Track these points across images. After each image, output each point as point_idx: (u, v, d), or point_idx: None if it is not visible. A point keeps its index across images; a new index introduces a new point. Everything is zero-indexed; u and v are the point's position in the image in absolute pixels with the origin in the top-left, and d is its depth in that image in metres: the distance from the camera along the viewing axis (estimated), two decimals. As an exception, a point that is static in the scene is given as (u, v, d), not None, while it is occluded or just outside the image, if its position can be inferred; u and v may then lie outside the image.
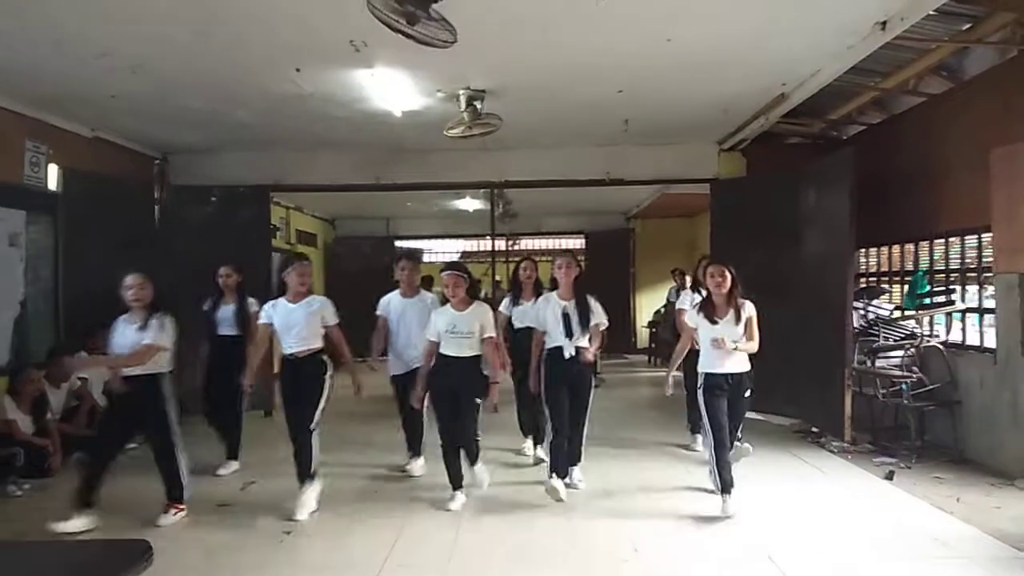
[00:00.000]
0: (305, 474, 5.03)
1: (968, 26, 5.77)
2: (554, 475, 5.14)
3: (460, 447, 5.14)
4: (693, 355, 5.30)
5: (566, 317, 5.20)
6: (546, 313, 5.29)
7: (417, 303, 5.85)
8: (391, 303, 5.93)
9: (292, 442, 5.06)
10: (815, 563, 4.11)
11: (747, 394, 5.06)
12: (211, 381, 6.09)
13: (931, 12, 4.88)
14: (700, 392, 5.08)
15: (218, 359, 6.05)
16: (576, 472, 5.57)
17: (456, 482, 5.17)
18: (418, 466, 5.98)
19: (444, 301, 5.29)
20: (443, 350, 5.09)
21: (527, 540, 4.51)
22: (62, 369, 6.52)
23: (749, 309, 5.03)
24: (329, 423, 5.38)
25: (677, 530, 4.75)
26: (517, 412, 6.56)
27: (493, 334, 5.16)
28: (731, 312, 4.98)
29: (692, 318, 5.19)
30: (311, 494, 5.03)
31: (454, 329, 5.05)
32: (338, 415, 6.12)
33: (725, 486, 4.92)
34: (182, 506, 4.97)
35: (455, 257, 19.81)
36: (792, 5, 4.76)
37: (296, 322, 5.07)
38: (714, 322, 4.99)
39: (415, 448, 6.01)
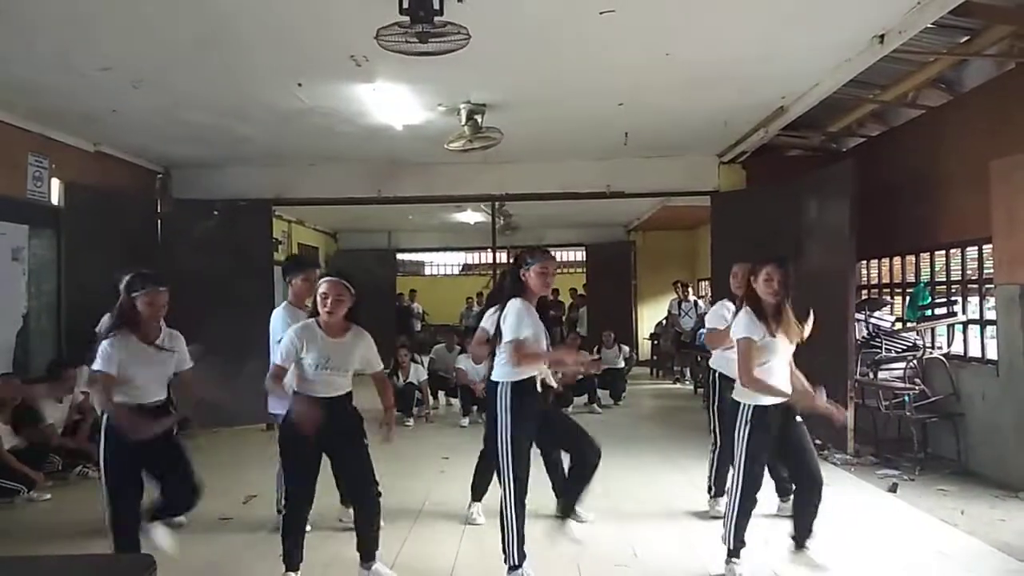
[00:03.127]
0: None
1: (966, 39, 5.80)
2: (523, 565, 3.94)
3: (363, 506, 3.96)
4: (730, 384, 4.34)
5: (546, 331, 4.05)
6: (536, 323, 3.92)
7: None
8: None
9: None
10: (818, 576, 4.10)
11: (798, 419, 3.99)
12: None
13: (929, 25, 4.91)
14: (744, 430, 3.93)
15: None
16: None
17: (292, 560, 3.93)
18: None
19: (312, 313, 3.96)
20: (310, 390, 3.82)
21: (528, 542, 4.48)
22: (65, 383, 6.52)
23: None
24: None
25: (679, 538, 4.75)
26: (478, 466, 5.08)
27: (381, 366, 4.10)
28: (785, 323, 3.98)
29: (750, 328, 3.90)
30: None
31: (327, 363, 3.79)
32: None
33: (736, 547, 4.02)
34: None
35: (456, 270, 19.79)
36: (791, 19, 4.79)
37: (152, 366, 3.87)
38: (774, 334, 3.91)
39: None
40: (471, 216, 13.08)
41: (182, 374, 4.05)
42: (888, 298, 7.68)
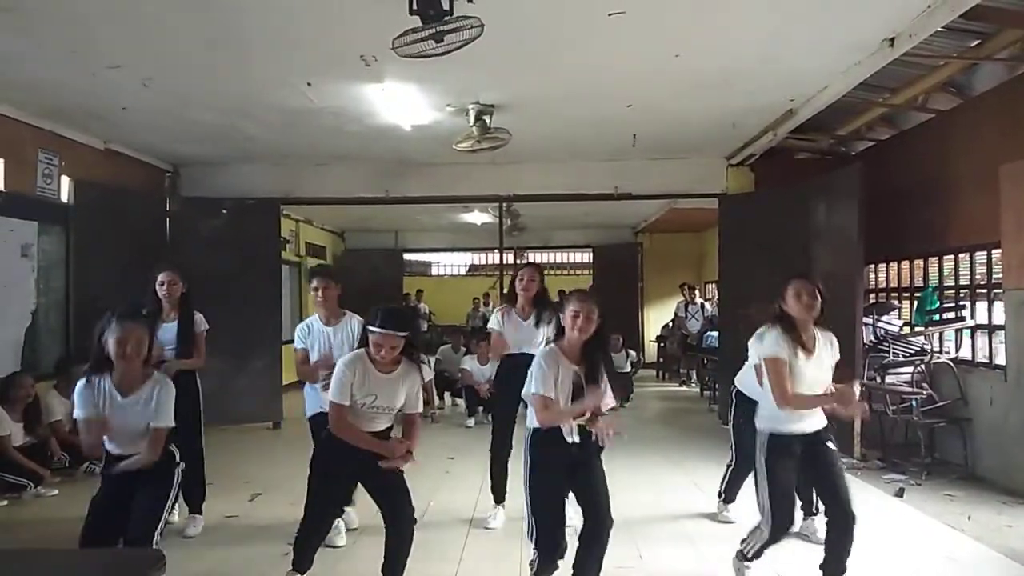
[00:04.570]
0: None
1: (977, 43, 5.78)
2: None
3: (398, 531, 3.69)
4: (746, 402, 4.24)
5: (577, 389, 3.49)
6: (549, 374, 3.44)
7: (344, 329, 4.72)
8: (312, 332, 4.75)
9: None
10: (824, 580, 4.08)
11: (830, 444, 3.72)
12: None
13: (939, 29, 4.89)
14: (762, 459, 3.71)
15: None
16: None
17: (300, 565, 3.84)
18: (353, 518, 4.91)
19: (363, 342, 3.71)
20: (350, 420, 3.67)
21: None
22: (73, 380, 6.55)
23: (834, 341, 3.77)
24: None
25: (684, 540, 4.76)
26: (491, 463, 5.13)
27: (420, 409, 3.82)
28: (819, 346, 3.69)
29: (777, 346, 3.63)
30: None
31: (374, 402, 3.63)
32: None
33: (752, 558, 3.92)
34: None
35: (463, 271, 19.71)
36: (800, 22, 4.78)
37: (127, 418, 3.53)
38: (808, 356, 3.64)
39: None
40: (478, 217, 13.09)
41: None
42: (896, 302, 7.65)
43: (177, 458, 3.76)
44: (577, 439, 3.51)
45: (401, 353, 3.65)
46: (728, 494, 5.13)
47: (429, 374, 9.53)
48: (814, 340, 3.67)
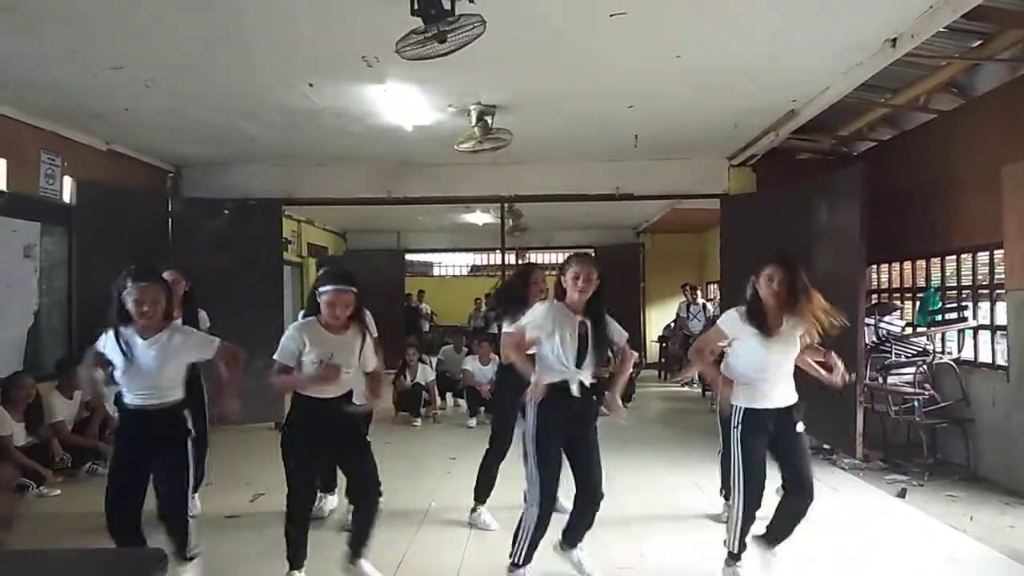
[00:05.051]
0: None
1: (979, 43, 5.78)
2: (525, 566, 3.92)
3: (363, 507, 3.92)
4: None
5: (582, 339, 3.79)
6: (559, 326, 3.74)
7: None
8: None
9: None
10: (825, 581, 4.09)
11: (799, 428, 3.89)
12: None
13: (941, 29, 4.89)
14: (737, 432, 3.87)
15: None
16: (581, 558, 4.04)
17: (296, 559, 3.92)
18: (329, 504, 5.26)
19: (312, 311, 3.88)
20: (310, 392, 3.76)
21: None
22: (73, 379, 6.56)
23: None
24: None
25: (685, 540, 4.75)
26: (483, 463, 5.04)
27: (378, 367, 4.00)
28: (786, 325, 3.81)
29: (730, 324, 3.90)
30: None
31: (332, 360, 3.68)
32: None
33: (739, 551, 3.95)
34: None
35: (464, 271, 19.74)
36: (802, 22, 4.78)
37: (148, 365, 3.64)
38: (769, 335, 3.78)
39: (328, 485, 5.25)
40: (480, 217, 13.09)
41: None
42: (898, 303, 7.65)
43: (189, 423, 3.82)
44: (577, 393, 3.78)
45: (350, 318, 3.75)
46: (727, 488, 5.10)
47: (431, 374, 9.56)
48: (780, 323, 3.79)
